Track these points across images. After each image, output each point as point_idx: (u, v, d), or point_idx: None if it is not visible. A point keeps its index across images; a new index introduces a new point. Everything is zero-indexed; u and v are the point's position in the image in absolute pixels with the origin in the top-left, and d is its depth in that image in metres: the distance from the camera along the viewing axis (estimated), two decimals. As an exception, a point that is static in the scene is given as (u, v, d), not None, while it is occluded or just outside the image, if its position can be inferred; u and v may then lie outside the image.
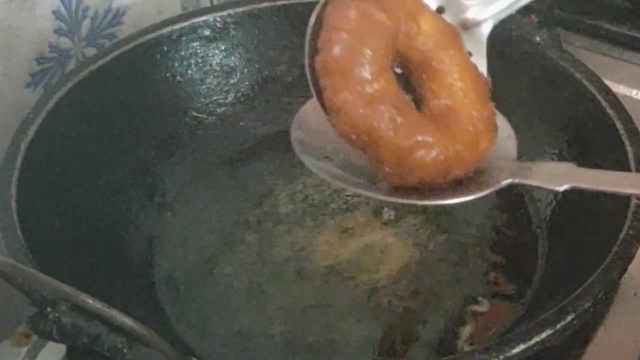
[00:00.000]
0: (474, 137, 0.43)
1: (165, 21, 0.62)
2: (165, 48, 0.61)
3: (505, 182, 0.43)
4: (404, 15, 0.43)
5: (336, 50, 0.41)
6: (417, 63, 0.44)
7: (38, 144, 0.52)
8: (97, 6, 0.64)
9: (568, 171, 0.42)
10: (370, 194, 0.43)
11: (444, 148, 0.42)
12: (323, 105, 0.42)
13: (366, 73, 0.41)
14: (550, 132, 0.57)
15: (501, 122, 0.47)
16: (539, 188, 0.43)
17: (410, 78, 0.45)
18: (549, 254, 0.53)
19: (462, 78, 0.44)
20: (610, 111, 0.52)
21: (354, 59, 0.41)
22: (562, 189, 0.41)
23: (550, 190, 0.42)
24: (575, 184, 0.41)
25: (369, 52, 0.41)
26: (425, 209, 0.58)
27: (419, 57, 0.44)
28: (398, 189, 0.43)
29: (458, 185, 0.43)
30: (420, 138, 0.41)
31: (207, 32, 0.63)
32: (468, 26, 0.46)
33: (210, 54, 0.63)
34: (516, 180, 0.43)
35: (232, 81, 0.64)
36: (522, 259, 0.54)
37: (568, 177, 0.41)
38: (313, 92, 0.43)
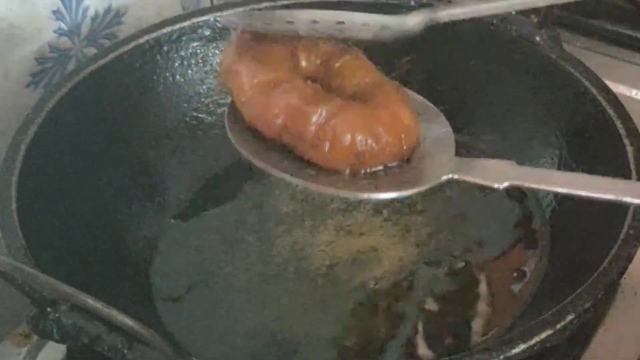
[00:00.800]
0: (392, 119, 0.43)
1: (165, 21, 0.62)
2: (165, 48, 0.61)
3: (444, 178, 0.43)
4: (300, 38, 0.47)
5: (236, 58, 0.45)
6: (321, 74, 0.46)
7: (38, 144, 0.52)
8: (97, 6, 0.64)
9: (508, 169, 0.42)
10: (295, 180, 0.43)
11: (361, 122, 0.42)
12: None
13: (268, 68, 0.44)
14: (550, 132, 0.57)
15: (439, 118, 0.47)
16: (479, 184, 0.42)
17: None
18: (550, 254, 0.53)
19: (367, 78, 0.46)
20: (610, 111, 0.52)
21: (254, 64, 0.45)
22: (501, 186, 0.41)
23: (489, 187, 0.41)
24: (515, 182, 0.41)
25: (269, 58, 0.45)
26: (425, 208, 0.58)
27: (321, 69, 0.47)
28: (333, 178, 0.43)
29: (396, 179, 0.44)
30: (333, 105, 0.42)
31: (207, 32, 0.63)
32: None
33: (210, 54, 0.63)
34: (455, 176, 0.42)
35: (232, 81, 0.64)
36: (522, 259, 0.54)
37: (508, 174, 0.41)
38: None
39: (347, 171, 0.43)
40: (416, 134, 0.44)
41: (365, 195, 0.43)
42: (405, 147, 0.44)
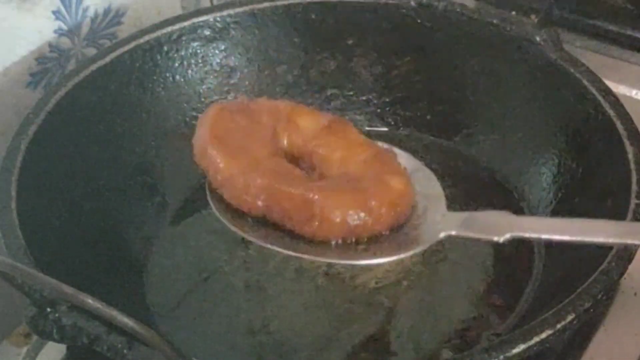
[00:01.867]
0: (385, 191, 0.42)
1: (165, 21, 0.62)
2: (165, 48, 0.61)
3: (442, 235, 0.42)
4: (277, 118, 0.46)
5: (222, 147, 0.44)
6: (304, 153, 0.46)
7: (38, 144, 0.52)
8: (97, 6, 0.64)
9: (505, 220, 0.42)
10: (290, 252, 0.43)
11: (350, 199, 0.41)
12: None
13: (245, 151, 0.44)
14: (550, 132, 0.57)
15: (425, 172, 0.47)
16: (477, 239, 0.42)
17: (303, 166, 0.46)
18: (549, 254, 0.53)
19: (353, 152, 0.45)
20: (610, 111, 0.52)
21: (230, 148, 0.44)
22: (502, 239, 0.40)
23: (490, 241, 0.41)
24: (515, 234, 0.40)
25: (248, 140, 0.44)
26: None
27: (304, 148, 0.46)
28: (326, 246, 0.42)
29: (392, 241, 0.43)
30: (318, 185, 0.42)
31: (207, 32, 0.63)
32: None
33: (210, 54, 0.63)
34: (453, 233, 0.42)
35: (232, 81, 0.64)
36: (522, 259, 0.54)
37: (507, 226, 0.41)
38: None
39: (340, 241, 0.42)
40: (411, 201, 0.43)
41: (362, 262, 0.43)
42: (400, 216, 0.43)
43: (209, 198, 0.45)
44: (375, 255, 0.42)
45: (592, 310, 0.41)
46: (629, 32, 0.73)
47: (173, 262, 0.55)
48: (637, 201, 0.46)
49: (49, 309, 0.39)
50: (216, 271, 0.55)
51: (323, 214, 0.41)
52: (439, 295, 0.52)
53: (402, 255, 0.42)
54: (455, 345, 0.49)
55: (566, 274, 0.49)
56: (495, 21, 0.60)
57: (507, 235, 0.40)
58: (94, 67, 0.57)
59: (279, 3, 0.63)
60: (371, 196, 0.42)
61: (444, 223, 0.43)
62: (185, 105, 0.63)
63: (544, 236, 0.41)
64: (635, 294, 0.53)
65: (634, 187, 0.46)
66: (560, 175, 0.56)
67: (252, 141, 0.45)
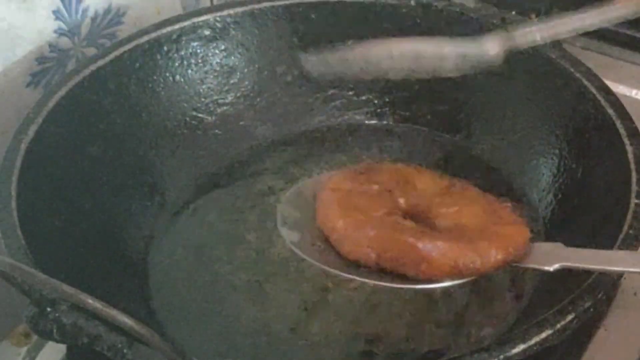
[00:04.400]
0: (487, 246, 0.43)
1: (165, 21, 0.62)
2: (165, 48, 0.61)
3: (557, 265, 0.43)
4: (397, 181, 0.48)
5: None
6: (422, 212, 0.47)
7: (38, 144, 0.52)
8: (97, 6, 0.64)
9: (556, 250, 0.43)
10: (357, 277, 0.44)
11: (460, 249, 0.42)
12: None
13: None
14: (550, 132, 0.57)
15: None
16: (530, 269, 0.44)
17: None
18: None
19: (467, 206, 0.46)
20: (610, 111, 0.52)
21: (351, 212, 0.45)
22: (552, 268, 0.42)
23: (540, 271, 0.43)
24: (565, 264, 0.42)
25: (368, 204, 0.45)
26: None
27: (422, 207, 0.47)
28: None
29: None
30: (430, 234, 0.43)
31: (207, 32, 0.63)
32: None
33: (210, 54, 0.63)
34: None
35: (232, 81, 0.64)
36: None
37: (557, 256, 0.42)
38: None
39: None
40: (525, 246, 0.43)
41: (422, 286, 0.43)
42: (514, 258, 0.43)
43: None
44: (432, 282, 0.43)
45: (592, 310, 0.41)
46: (629, 32, 0.73)
47: (173, 262, 0.55)
48: (637, 201, 0.46)
49: (49, 309, 0.39)
50: (216, 271, 0.55)
51: (430, 257, 0.42)
52: (440, 294, 0.52)
53: (457, 282, 0.43)
54: (458, 344, 0.49)
55: (566, 274, 0.49)
56: (495, 21, 0.60)
57: (557, 265, 0.42)
58: (94, 67, 0.58)
59: (279, 3, 0.63)
60: (478, 240, 0.43)
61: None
62: (185, 105, 0.63)
63: (592, 267, 0.42)
64: (635, 294, 0.53)
65: (634, 187, 0.46)
66: (560, 175, 0.56)
67: (370, 202, 0.46)
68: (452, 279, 0.43)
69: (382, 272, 0.43)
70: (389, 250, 0.43)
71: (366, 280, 0.44)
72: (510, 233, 0.44)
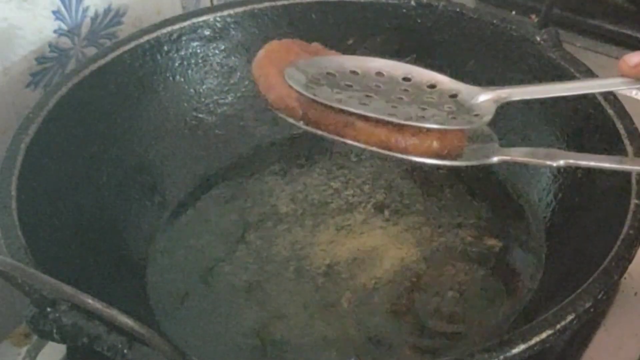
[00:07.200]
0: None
1: (165, 21, 0.62)
2: (165, 48, 0.61)
3: (496, 158, 0.43)
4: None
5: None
6: None
7: (38, 144, 0.52)
8: (97, 6, 0.64)
9: (557, 152, 0.43)
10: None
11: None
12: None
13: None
14: (550, 132, 0.57)
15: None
16: (533, 164, 0.44)
17: None
18: (549, 255, 0.53)
19: None
20: (610, 111, 0.52)
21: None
22: (555, 164, 0.42)
23: (545, 166, 0.43)
24: (569, 161, 0.42)
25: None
26: (425, 208, 0.58)
27: None
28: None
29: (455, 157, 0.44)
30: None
31: (207, 32, 0.63)
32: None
33: (210, 54, 0.63)
34: (507, 158, 0.43)
35: (232, 81, 0.64)
36: (522, 259, 0.54)
37: (560, 155, 0.42)
38: None
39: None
40: (460, 138, 0.43)
41: (429, 160, 0.43)
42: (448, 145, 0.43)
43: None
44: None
45: (592, 310, 0.41)
46: (629, 32, 0.73)
47: (173, 262, 0.55)
48: (637, 201, 0.46)
49: (49, 309, 0.40)
50: (216, 271, 0.55)
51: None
52: (440, 294, 0.52)
53: (454, 163, 0.43)
54: (458, 345, 0.49)
55: (566, 274, 0.49)
56: (495, 21, 0.60)
57: (562, 162, 0.42)
58: (94, 67, 0.58)
59: (279, 3, 0.63)
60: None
61: (497, 151, 0.44)
62: (185, 105, 0.63)
63: (598, 164, 0.43)
64: (635, 294, 0.53)
65: (634, 187, 0.46)
66: (560, 175, 0.56)
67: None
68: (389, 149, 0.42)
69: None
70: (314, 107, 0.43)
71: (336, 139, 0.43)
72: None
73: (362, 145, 0.42)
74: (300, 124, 0.44)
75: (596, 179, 0.52)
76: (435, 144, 0.42)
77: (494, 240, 0.56)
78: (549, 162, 0.42)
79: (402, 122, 0.41)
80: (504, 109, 0.61)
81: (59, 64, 0.63)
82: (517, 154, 0.44)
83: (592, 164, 0.44)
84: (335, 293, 0.53)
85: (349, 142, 0.42)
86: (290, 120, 0.44)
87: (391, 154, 0.42)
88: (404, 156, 0.42)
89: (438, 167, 0.44)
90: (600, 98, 0.53)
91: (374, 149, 0.42)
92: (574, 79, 0.54)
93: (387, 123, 0.42)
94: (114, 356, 0.39)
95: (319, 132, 0.43)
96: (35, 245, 0.45)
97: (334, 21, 0.64)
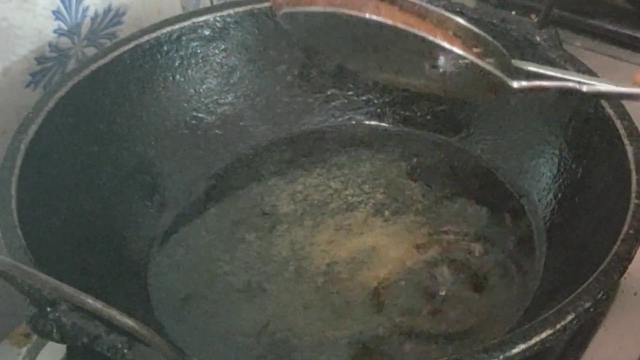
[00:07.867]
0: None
1: (165, 21, 0.62)
2: (165, 48, 0.61)
3: (516, 85, 0.44)
4: None
5: None
6: None
7: (38, 144, 0.52)
8: (97, 6, 0.64)
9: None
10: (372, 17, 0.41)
11: None
12: None
13: None
14: (550, 132, 0.57)
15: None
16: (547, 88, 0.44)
17: None
18: (549, 255, 0.53)
19: None
20: (610, 111, 0.52)
21: None
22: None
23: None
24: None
25: None
26: (425, 209, 0.58)
27: None
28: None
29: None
30: None
31: (207, 32, 0.63)
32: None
33: (210, 54, 0.63)
34: (524, 83, 0.44)
35: (232, 81, 0.64)
36: (522, 259, 0.54)
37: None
38: None
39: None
40: None
41: (428, 36, 0.41)
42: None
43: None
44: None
45: (592, 310, 0.41)
46: (629, 32, 0.73)
47: (173, 262, 0.55)
48: (637, 201, 0.46)
49: (49, 309, 0.40)
50: (216, 271, 0.55)
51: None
52: (440, 294, 0.52)
53: (453, 48, 0.42)
54: (457, 345, 0.49)
55: (566, 274, 0.49)
56: (495, 21, 0.60)
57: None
58: (94, 67, 0.58)
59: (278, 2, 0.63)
60: None
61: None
62: (185, 105, 0.63)
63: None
64: (635, 294, 0.53)
65: (634, 187, 0.46)
66: (560, 175, 0.56)
67: None
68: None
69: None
70: None
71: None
72: None
73: (387, 21, 0.41)
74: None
75: (596, 179, 0.52)
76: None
77: (494, 240, 0.56)
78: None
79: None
80: (504, 109, 0.61)
81: (59, 64, 0.63)
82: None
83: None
84: (335, 293, 0.53)
85: (371, 17, 0.40)
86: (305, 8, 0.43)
87: (414, 30, 0.41)
88: (426, 35, 0.41)
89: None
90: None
91: (399, 24, 0.40)
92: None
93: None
94: (114, 356, 0.39)
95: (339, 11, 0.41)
96: (35, 245, 0.45)
97: (334, 21, 0.64)
